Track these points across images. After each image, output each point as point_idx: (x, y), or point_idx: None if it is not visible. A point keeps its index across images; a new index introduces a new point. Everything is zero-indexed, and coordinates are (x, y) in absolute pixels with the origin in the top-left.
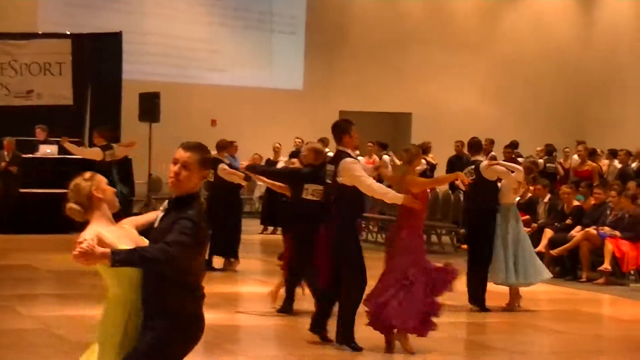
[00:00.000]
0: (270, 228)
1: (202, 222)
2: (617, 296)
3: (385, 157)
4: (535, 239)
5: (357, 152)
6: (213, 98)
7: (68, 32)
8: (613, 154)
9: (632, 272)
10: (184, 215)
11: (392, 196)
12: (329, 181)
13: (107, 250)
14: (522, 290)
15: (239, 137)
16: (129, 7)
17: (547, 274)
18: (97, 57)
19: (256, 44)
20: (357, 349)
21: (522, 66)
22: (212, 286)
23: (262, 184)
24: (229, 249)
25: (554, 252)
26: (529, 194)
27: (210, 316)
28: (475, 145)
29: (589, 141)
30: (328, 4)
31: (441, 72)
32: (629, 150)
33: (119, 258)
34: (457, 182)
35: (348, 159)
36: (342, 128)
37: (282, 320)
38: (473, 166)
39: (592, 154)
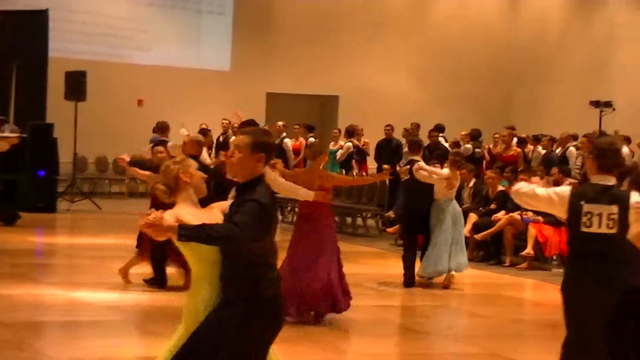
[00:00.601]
0: None
1: (268, 203)
2: (539, 280)
3: (311, 139)
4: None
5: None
6: (140, 77)
7: None
8: (537, 139)
9: (554, 257)
10: (248, 197)
11: (303, 193)
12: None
13: (174, 224)
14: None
15: (166, 117)
16: None
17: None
18: (23, 34)
19: (184, 23)
20: None
21: (449, 50)
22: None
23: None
24: None
25: (477, 236)
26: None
27: (133, 297)
28: (414, 145)
29: (515, 127)
30: None
31: (369, 55)
32: (553, 136)
33: (185, 232)
34: (398, 170)
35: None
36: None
37: None
38: (409, 166)
39: (522, 142)
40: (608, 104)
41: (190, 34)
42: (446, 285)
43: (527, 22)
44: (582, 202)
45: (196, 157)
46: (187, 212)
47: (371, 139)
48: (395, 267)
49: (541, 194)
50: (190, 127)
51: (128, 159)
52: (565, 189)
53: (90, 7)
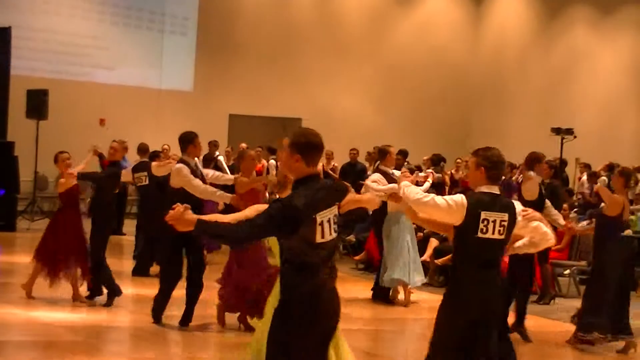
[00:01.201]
0: None
1: (297, 205)
2: None
3: (272, 162)
4: (421, 248)
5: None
6: (102, 96)
7: None
8: None
9: None
10: (282, 197)
11: (220, 195)
12: (147, 180)
13: (195, 218)
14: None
15: (128, 137)
16: (18, 3)
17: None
18: None
19: (147, 43)
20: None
21: (409, 74)
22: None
23: None
24: None
25: (438, 261)
26: None
27: (93, 317)
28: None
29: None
30: (220, 6)
31: (331, 78)
32: (513, 163)
33: (200, 227)
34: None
35: (179, 164)
36: (187, 138)
37: (168, 322)
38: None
39: None
40: (569, 131)
41: (153, 54)
42: (406, 304)
43: (487, 47)
44: (479, 210)
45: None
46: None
47: (326, 162)
48: (356, 291)
49: (441, 203)
50: (152, 147)
51: (75, 173)
52: (459, 197)
53: (53, 25)
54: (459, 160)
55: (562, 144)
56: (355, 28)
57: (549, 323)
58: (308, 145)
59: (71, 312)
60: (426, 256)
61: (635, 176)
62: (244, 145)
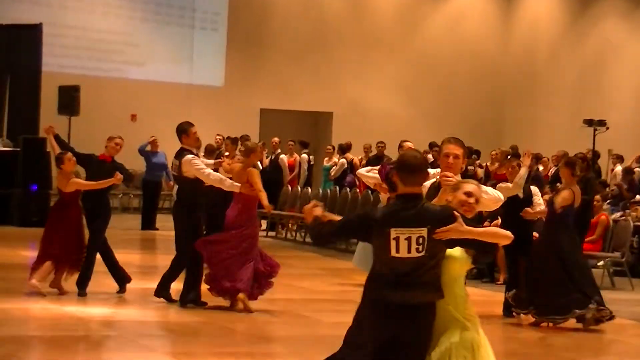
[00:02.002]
0: None
1: (373, 215)
2: None
3: (304, 156)
4: None
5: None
6: (133, 93)
7: None
8: (537, 158)
9: None
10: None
11: (229, 184)
12: (174, 173)
13: (318, 214)
14: None
15: (159, 132)
16: (50, 0)
17: None
18: (16, 48)
19: (177, 39)
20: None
21: (440, 68)
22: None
23: None
24: None
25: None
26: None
27: (125, 312)
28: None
29: (507, 145)
30: (250, 1)
31: (361, 72)
32: (538, 154)
33: (313, 222)
34: None
35: (189, 156)
36: (181, 129)
37: (199, 317)
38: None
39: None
40: (602, 123)
41: (183, 49)
42: None
43: (518, 40)
44: None
45: None
46: None
47: (364, 155)
48: None
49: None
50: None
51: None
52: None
53: (84, 22)
54: (493, 153)
55: (594, 135)
56: (386, 21)
57: None
58: (403, 165)
59: (104, 306)
60: None
61: None
62: (275, 139)
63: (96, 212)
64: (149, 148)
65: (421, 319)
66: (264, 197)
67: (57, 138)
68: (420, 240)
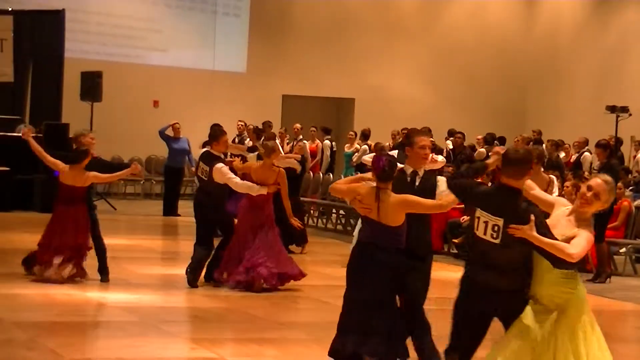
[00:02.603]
0: None
1: (471, 185)
2: None
3: (327, 142)
4: None
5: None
6: (155, 79)
7: (10, 9)
8: (557, 145)
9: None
10: None
11: (257, 189)
12: (203, 177)
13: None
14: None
15: (181, 118)
16: None
17: None
18: (39, 34)
19: (200, 25)
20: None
21: (463, 54)
22: (152, 267)
23: None
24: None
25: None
26: None
27: (148, 297)
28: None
29: (529, 131)
30: None
31: (384, 58)
32: (558, 140)
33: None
34: None
35: (218, 165)
36: (212, 134)
37: (221, 303)
38: None
39: (537, 143)
40: (624, 109)
41: (206, 35)
42: None
43: (541, 26)
44: None
45: None
46: None
47: (387, 141)
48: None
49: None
50: (206, 129)
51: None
52: None
53: (106, 7)
54: (515, 140)
55: (617, 122)
56: (408, 8)
57: (605, 302)
58: (504, 159)
59: (127, 292)
60: None
61: None
62: (297, 125)
63: (89, 204)
64: (170, 132)
65: (507, 298)
66: (288, 207)
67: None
68: (495, 228)
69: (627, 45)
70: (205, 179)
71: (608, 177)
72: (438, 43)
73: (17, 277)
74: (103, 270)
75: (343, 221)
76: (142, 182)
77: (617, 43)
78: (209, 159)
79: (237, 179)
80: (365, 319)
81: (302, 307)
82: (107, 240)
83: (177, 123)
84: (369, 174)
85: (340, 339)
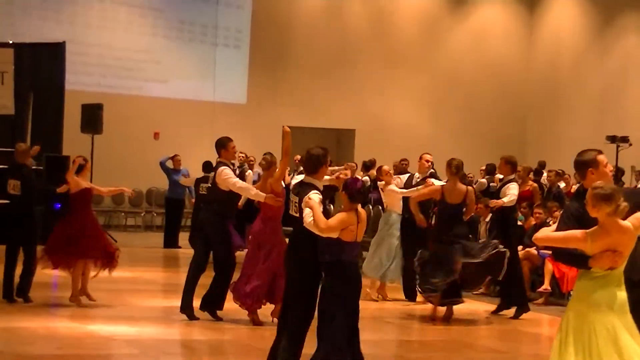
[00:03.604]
0: None
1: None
2: (556, 316)
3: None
4: None
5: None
6: (156, 110)
7: (10, 42)
8: (558, 174)
9: (571, 292)
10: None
11: (255, 193)
12: (209, 185)
13: None
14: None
15: (182, 150)
16: (73, 18)
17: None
18: (40, 66)
19: (200, 56)
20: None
21: (462, 83)
22: (153, 300)
23: None
24: None
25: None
26: (471, 213)
27: (149, 330)
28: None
29: (529, 161)
30: (273, 18)
31: (384, 88)
32: (558, 170)
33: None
34: None
35: (221, 167)
36: (220, 143)
37: (222, 335)
38: None
39: (537, 174)
40: (625, 139)
41: (206, 66)
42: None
43: (541, 55)
44: None
45: None
46: None
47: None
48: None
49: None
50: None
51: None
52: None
53: (107, 39)
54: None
55: (617, 152)
56: (409, 38)
57: None
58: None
59: (128, 325)
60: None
61: None
62: (298, 157)
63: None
64: (170, 164)
65: None
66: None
67: None
68: None
69: (627, 75)
70: (211, 185)
71: (601, 185)
72: (438, 73)
73: (19, 309)
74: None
75: None
76: (142, 215)
77: (618, 73)
78: (216, 166)
79: (237, 180)
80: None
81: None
82: (107, 273)
83: (178, 155)
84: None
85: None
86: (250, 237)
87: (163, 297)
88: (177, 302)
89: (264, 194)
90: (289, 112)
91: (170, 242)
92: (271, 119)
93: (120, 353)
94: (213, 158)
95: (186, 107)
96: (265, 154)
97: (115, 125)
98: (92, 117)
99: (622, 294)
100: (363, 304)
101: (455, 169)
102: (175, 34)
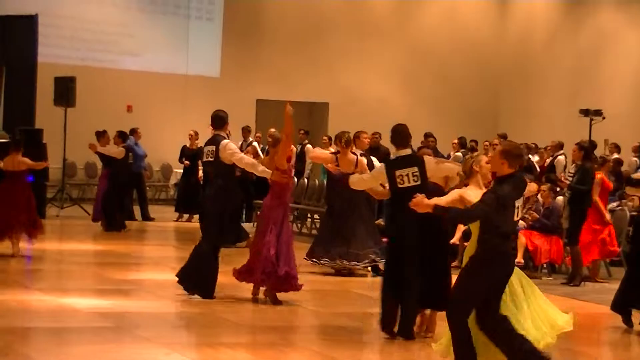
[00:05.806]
0: (185, 215)
1: (503, 194)
2: None
3: (309, 147)
4: (450, 231)
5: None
6: (129, 83)
7: None
8: (529, 148)
9: (544, 265)
10: (492, 189)
11: (262, 170)
12: (211, 159)
13: (432, 203)
14: None
15: (155, 123)
16: None
17: None
18: (12, 39)
19: (173, 29)
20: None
21: (436, 56)
22: (126, 273)
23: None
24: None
25: (466, 244)
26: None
27: (122, 303)
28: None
29: (506, 134)
30: None
31: (357, 61)
32: (530, 144)
33: (438, 210)
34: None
35: (225, 140)
36: (222, 116)
37: (195, 308)
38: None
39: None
40: (598, 113)
41: (179, 39)
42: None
43: (514, 29)
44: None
45: None
46: (472, 193)
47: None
48: None
49: (366, 177)
50: (180, 133)
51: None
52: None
53: (80, 12)
54: (486, 143)
55: (590, 125)
56: (382, 11)
57: (578, 304)
58: (512, 154)
59: (101, 298)
60: (455, 239)
61: None
62: (273, 130)
63: None
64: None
65: None
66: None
67: None
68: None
69: (601, 49)
70: (212, 159)
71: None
72: (412, 45)
73: None
74: None
75: (317, 225)
76: None
77: (591, 46)
78: (214, 140)
79: (243, 155)
80: None
81: (275, 311)
82: (80, 246)
83: (138, 128)
84: None
85: None
86: (259, 212)
87: (135, 270)
88: (149, 275)
89: (270, 171)
90: (262, 85)
91: (143, 215)
92: (244, 92)
93: (94, 326)
94: (185, 131)
95: (159, 80)
96: (271, 131)
97: (89, 98)
98: (65, 90)
99: None
100: None
101: (345, 144)
102: (148, 7)
